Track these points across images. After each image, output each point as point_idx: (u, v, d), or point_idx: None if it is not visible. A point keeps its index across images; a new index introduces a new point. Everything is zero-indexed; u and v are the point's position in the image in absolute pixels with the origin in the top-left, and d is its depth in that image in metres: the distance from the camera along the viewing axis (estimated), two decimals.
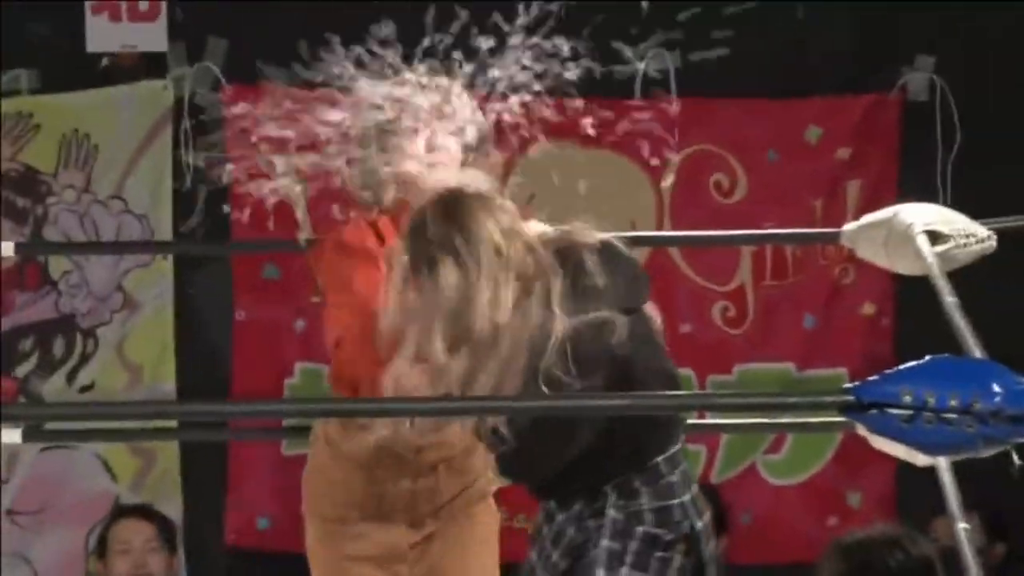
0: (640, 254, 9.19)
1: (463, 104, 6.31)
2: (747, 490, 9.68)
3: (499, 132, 8.94)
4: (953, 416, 4.54)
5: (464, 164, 6.35)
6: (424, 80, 6.30)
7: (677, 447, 5.91)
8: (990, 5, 9.39)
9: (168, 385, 9.67)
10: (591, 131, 7.82)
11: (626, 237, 8.96)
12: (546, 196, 9.03)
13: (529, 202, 9.08)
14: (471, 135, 6.33)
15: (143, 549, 9.02)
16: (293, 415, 6.95)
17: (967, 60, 9.51)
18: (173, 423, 8.95)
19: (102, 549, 9.17)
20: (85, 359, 9.73)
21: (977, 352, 5.32)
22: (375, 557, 6.44)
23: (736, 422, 8.57)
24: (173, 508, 9.60)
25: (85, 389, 9.69)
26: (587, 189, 8.99)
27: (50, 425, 8.30)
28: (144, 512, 9.24)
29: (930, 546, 6.25)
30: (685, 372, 9.39)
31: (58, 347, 9.75)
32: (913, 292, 7.50)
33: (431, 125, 6.30)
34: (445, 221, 5.64)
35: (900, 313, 9.37)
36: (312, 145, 6.30)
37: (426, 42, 6.33)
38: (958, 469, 5.92)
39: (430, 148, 6.27)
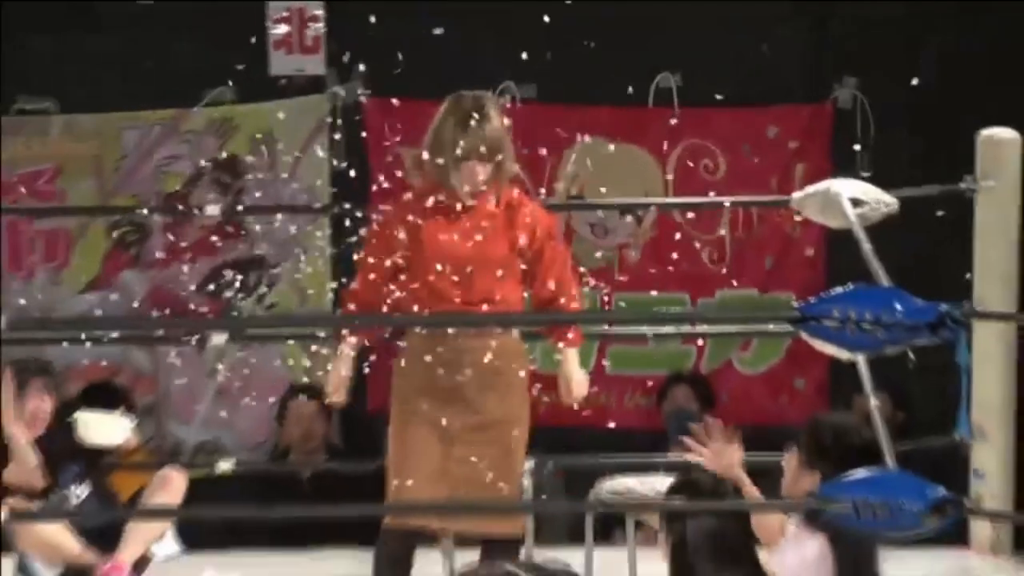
0: (651, 214, 9.70)
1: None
2: (725, 377, 9.82)
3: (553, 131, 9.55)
4: (868, 326, 5.12)
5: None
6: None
7: None
8: (896, 43, 9.49)
9: (325, 301, 9.58)
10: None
11: (643, 203, 9.57)
12: (587, 176, 9.75)
13: (574, 182, 9.72)
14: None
15: (310, 418, 9.27)
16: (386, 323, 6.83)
17: (879, 81, 9.57)
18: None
19: (281, 417, 9.49)
20: (270, 287, 9.87)
21: (884, 281, 6.05)
22: (433, 436, 6.48)
23: (719, 329, 9.01)
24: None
25: (269, 307, 9.82)
26: (613, 173, 9.56)
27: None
28: (310, 391, 9.25)
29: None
30: (682, 296, 9.75)
31: (252, 278, 9.84)
32: (841, 240, 7.52)
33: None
34: None
35: (831, 255, 9.40)
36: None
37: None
38: (872, 362, 6.13)
39: None
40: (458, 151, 6.42)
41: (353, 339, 6.76)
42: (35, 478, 7.32)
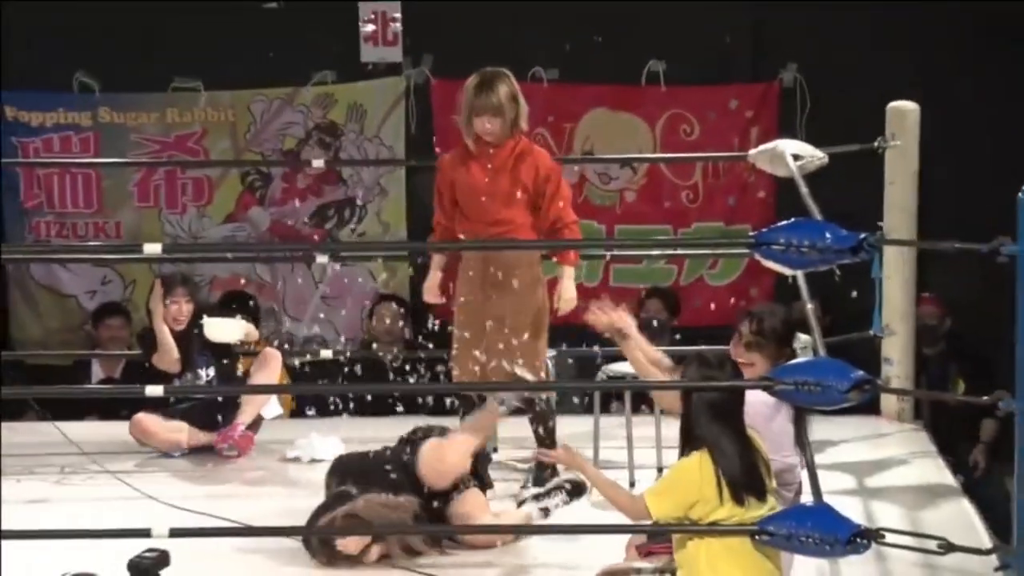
0: (643, 168, 9.63)
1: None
2: (698, 288, 9.71)
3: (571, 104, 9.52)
4: (806, 250, 4.94)
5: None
6: None
7: None
8: (826, 36, 9.35)
9: (402, 233, 9.69)
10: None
11: (637, 158, 9.52)
12: (596, 137, 9.74)
13: (586, 148, 9.65)
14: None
15: (393, 319, 9.15)
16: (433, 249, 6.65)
17: (813, 67, 9.47)
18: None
19: (370, 317, 9.33)
20: (360, 220, 9.78)
21: (818, 216, 5.89)
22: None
23: (693, 252, 9.29)
24: (405, 296, 9.50)
25: (360, 236, 9.72)
26: (615, 135, 9.59)
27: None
28: (394, 298, 9.32)
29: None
30: (667, 227, 9.64)
31: (346, 214, 9.80)
32: (786, 185, 7.47)
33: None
34: None
35: (778, 197, 9.17)
36: None
37: None
38: (808, 276, 6.35)
39: None
40: (470, 109, 6.37)
41: (438, 256, 6.73)
42: (174, 364, 7.33)
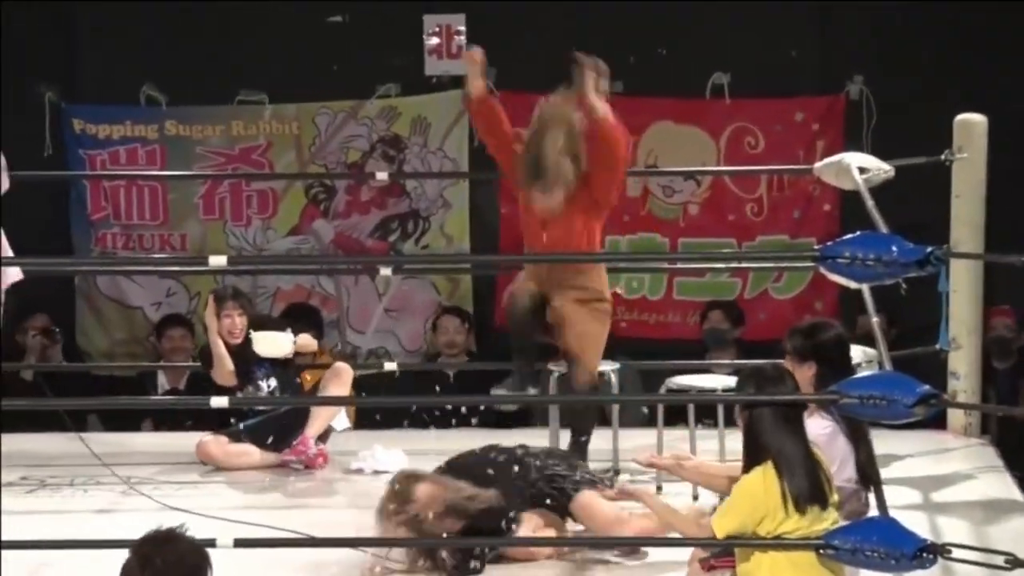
0: (707, 181, 9.59)
1: None
2: (762, 303, 9.66)
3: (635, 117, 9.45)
4: (871, 263, 4.98)
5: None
6: None
7: None
8: (892, 50, 9.37)
9: (465, 246, 9.69)
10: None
11: (702, 171, 9.51)
12: (660, 150, 9.73)
13: (649, 161, 9.60)
14: None
15: (455, 331, 9.14)
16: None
17: (880, 80, 9.42)
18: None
19: (434, 330, 9.35)
20: (424, 232, 9.78)
21: (884, 229, 5.91)
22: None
23: (758, 265, 9.23)
24: (468, 308, 9.56)
25: (423, 248, 9.73)
26: (679, 148, 9.55)
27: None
28: (456, 311, 9.33)
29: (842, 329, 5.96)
30: (730, 240, 9.61)
31: (410, 227, 9.80)
32: (851, 198, 7.55)
33: None
34: None
35: (844, 210, 9.16)
36: None
37: None
38: (873, 290, 6.27)
39: None
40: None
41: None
42: (229, 377, 7.34)
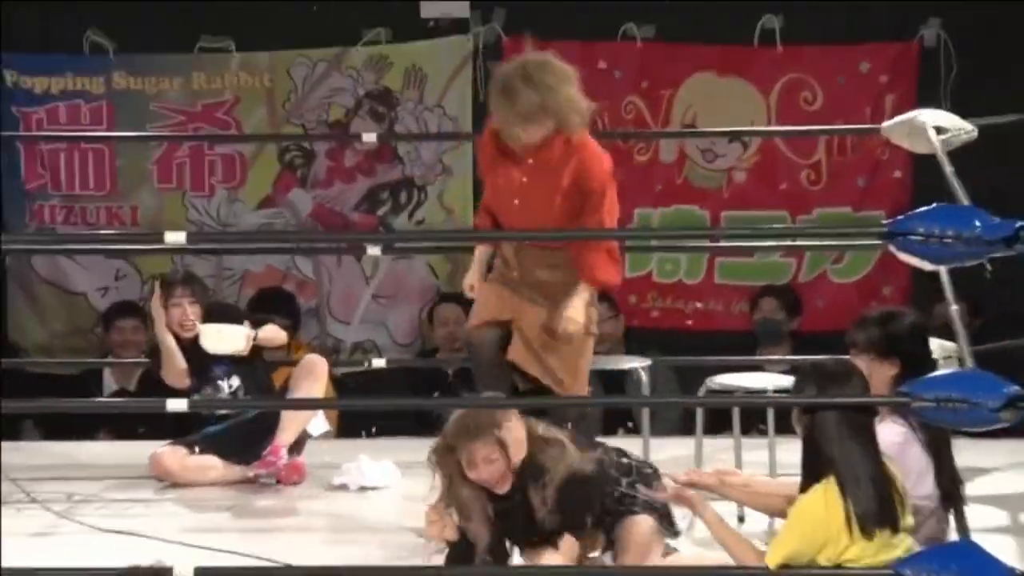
0: (755, 143, 9.61)
1: None
2: (820, 288, 9.65)
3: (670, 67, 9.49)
4: (949, 241, 4.96)
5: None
6: None
7: None
8: None
9: (469, 219, 9.49)
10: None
11: (749, 131, 9.49)
12: (700, 106, 9.71)
13: (687, 120, 9.58)
14: None
15: (455, 321, 9.02)
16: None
17: (960, 23, 9.38)
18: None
19: (430, 320, 9.41)
20: (419, 205, 9.81)
21: (964, 200, 5.98)
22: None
23: (815, 243, 9.07)
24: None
25: (419, 223, 9.74)
26: (722, 104, 9.52)
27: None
28: (457, 299, 8.90)
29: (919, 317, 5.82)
30: (783, 214, 9.59)
31: (403, 197, 9.81)
32: (926, 164, 7.41)
33: None
34: None
35: (916, 176, 9.21)
36: None
37: None
38: (952, 272, 6.30)
39: None
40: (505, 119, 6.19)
41: (482, 248, 6.67)
42: (181, 377, 7.33)
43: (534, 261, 6.35)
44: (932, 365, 5.71)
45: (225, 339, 7.29)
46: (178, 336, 7.33)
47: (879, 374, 5.49)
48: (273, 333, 7.41)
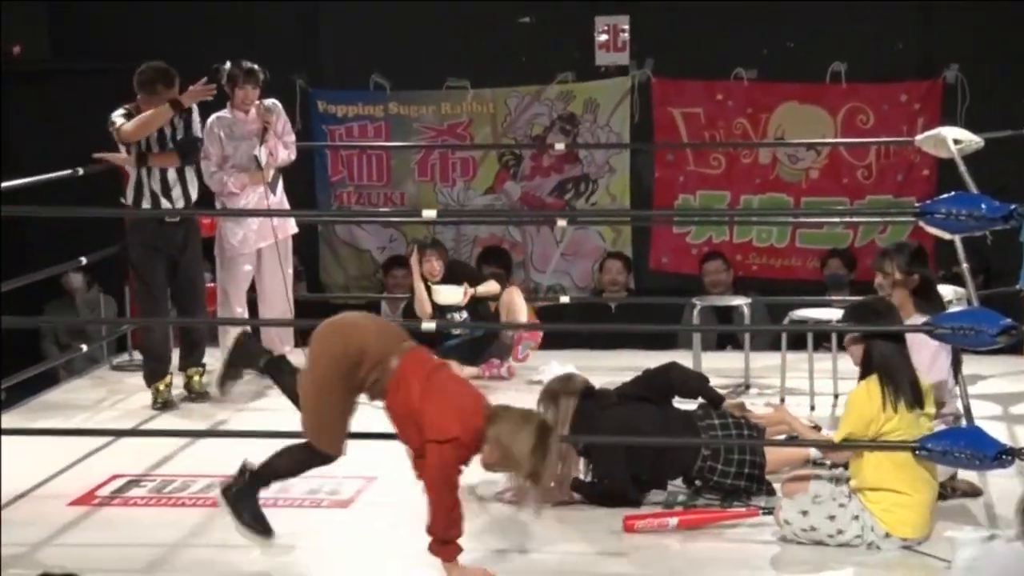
0: (825, 151, 9.33)
1: None
2: (870, 251, 9.08)
3: (766, 98, 9.32)
4: (963, 217, 4.83)
5: None
6: None
7: None
8: (990, 34, 9.06)
9: (626, 202, 9.57)
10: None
11: (820, 142, 9.31)
12: (787, 125, 9.54)
13: (778, 134, 9.35)
14: None
15: (617, 272, 8.87)
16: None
17: (973, 68, 9.16)
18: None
19: (600, 271, 9.22)
20: (592, 192, 9.62)
21: (974, 190, 5.81)
22: None
23: (869, 220, 9.00)
24: (628, 253, 9.45)
25: (592, 204, 9.61)
26: (803, 124, 9.34)
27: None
28: (618, 256, 9.19)
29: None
30: (844, 199, 9.35)
31: (582, 187, 9.68)
32: (947, 166, 7.37)
33: None
34: None
35: (940, 174, 8.91)
36: None
37: None
38: (964, 241, 6.14)
39: None
40: None
41: None
42: (426, 312, 7.30)
43: None
44: (935, 283, 5.68)
45: (450, 295, 7.26)
46: (427, 282, 7.30)
47: (902, 288, 5.45)
48: (489, 287, 7.33)
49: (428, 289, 7.31)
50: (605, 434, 5.21)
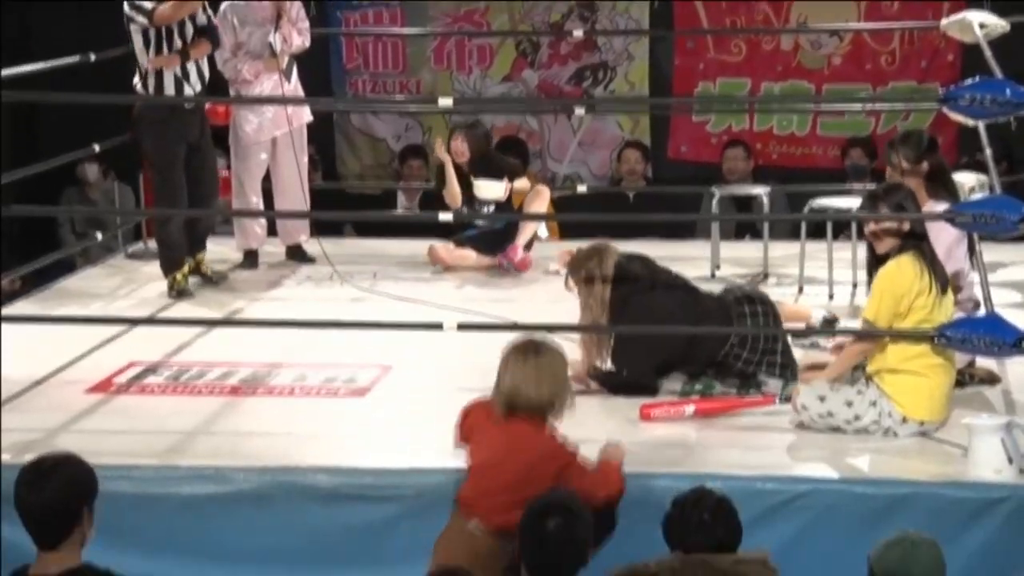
0: (848, 36, 9.14)
1: None
2: (891, 136, 9.29)
3: None
4: (987, 103, 4.75)
5: None
6: None
7: None
8: None
9: (645, 90, 9.40)
10: None
11: (843, 27, 9.08)
12: (809, 11, 9.24)
13: (800, 21, 9.03)
14: None
15: (635, 161, 8.86)
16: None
17: None
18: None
19: (617, 160, 9.15)
20: (611, 80, 9.52)
21: (999, 74, 5.70)
22: None
23: (891, 107, 8.90)
24: (646, 142, 9.33)
25: (611, 92, 9.50)
26: (825, 9, 9.02)
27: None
28: (636, 144, 9.14)
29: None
30: (866, 86, 9.22)
31: (600, 75, 9.53)
32: (972, 51, 7.23)
33: None
34: None
35: (965, 59, 8.74)
36: None
37: None
38: (988, 126, 5.89)
39: None
40: None
41: None
42: (456, 200, 7.28)
43: None
44: (947, 168, 5.60)
45: (492, 190, 7.22)
46: (454, 161, 7.24)
47: (913, 177, 5.38)
48: (522, 184, 7.32)
49: (464, 179, 7.20)
50: (634, 322, 5.15)
